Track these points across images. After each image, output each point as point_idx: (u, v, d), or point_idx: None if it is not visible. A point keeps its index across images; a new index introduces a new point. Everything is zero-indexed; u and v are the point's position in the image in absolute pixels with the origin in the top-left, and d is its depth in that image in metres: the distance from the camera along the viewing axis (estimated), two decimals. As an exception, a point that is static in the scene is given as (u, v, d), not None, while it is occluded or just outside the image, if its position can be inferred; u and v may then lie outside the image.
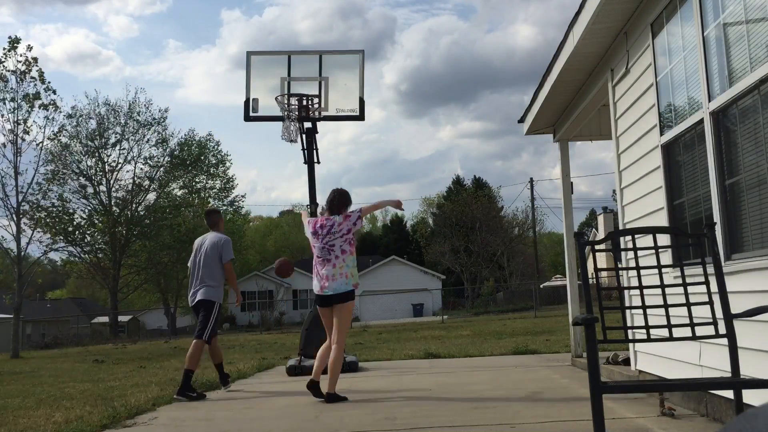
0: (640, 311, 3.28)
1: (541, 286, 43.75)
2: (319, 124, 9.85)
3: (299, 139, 9.71)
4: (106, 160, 41.33)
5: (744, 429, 0.93)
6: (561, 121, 8.39)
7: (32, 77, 22.30)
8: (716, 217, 4.10)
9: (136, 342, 29.91)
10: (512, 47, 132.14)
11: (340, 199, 6.26)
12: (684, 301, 3.18)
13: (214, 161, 44.99)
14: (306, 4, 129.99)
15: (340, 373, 6.23)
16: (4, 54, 21.99)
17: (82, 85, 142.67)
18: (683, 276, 3.24)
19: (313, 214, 9.96)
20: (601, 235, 45.25)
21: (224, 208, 46.34)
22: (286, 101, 9.67)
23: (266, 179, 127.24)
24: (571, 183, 8.60)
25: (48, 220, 30.71)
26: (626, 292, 5.70)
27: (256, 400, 6.83)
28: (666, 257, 4.89)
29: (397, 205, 6.57)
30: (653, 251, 3.31)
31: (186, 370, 7.04)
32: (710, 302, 3.17)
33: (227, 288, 8.12)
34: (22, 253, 22.74)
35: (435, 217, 56.02)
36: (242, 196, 53.95)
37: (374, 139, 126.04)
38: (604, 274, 33.03)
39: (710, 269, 3.25)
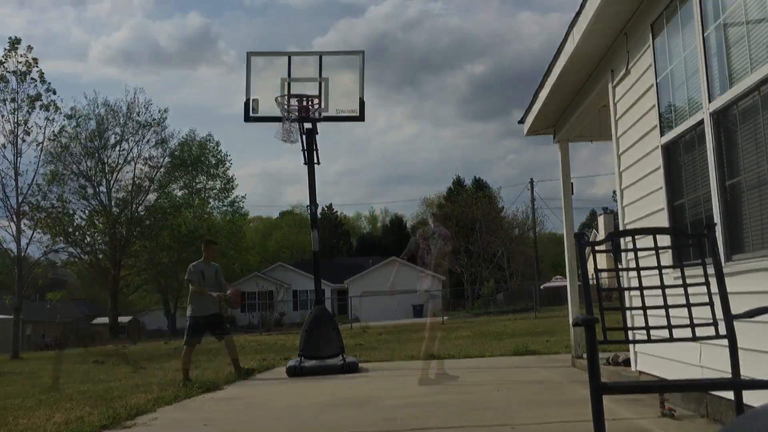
0: (641, 312, 3.27)
1: (542, 286, 43.69)
2: (320, 125, 9.85)
3: (299, 140, 9.70)
4: (105, 160, 41.35)
5: (744, 430, 0.93)
6: (561, 122, 8.39)
7: (32, 78, 22.35)
8: (716, 217, 4.10)
9: (136, 342, 29.90)
10: (514, 47, 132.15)
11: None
12: (684, 302, 3.17)
13: (213, 161, 45.03)
14: (309, 3, 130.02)
15: (341, 373, 6.43)
16: (5, 55, 22.03)
17: (84, 85, 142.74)
18: (683, 277, 3.23)
19: (313, 214, 9.98)
20: (601, 235, 45.21)
21: (224, 208, 46.31)
22: (286, 102, 9.66)
23: (267, 179, 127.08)
24: (572, 183, 8.60)
25: (48, 221, 30.69)
26: (626, 292, 5.70)
27: (257, 400, 6.83)
28: (666, 258, 4.89)
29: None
30: (653, 252, 3.30)
31: None
32: (710, 303, 3.16)
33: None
34: (22, 254, 22.75)
35: (435, 217, 55.95)
36: (242, 197, 54.02)
37: (375, 139, 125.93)
38: (604, 274, 32.97)
39: (710, 270, 3.24)
